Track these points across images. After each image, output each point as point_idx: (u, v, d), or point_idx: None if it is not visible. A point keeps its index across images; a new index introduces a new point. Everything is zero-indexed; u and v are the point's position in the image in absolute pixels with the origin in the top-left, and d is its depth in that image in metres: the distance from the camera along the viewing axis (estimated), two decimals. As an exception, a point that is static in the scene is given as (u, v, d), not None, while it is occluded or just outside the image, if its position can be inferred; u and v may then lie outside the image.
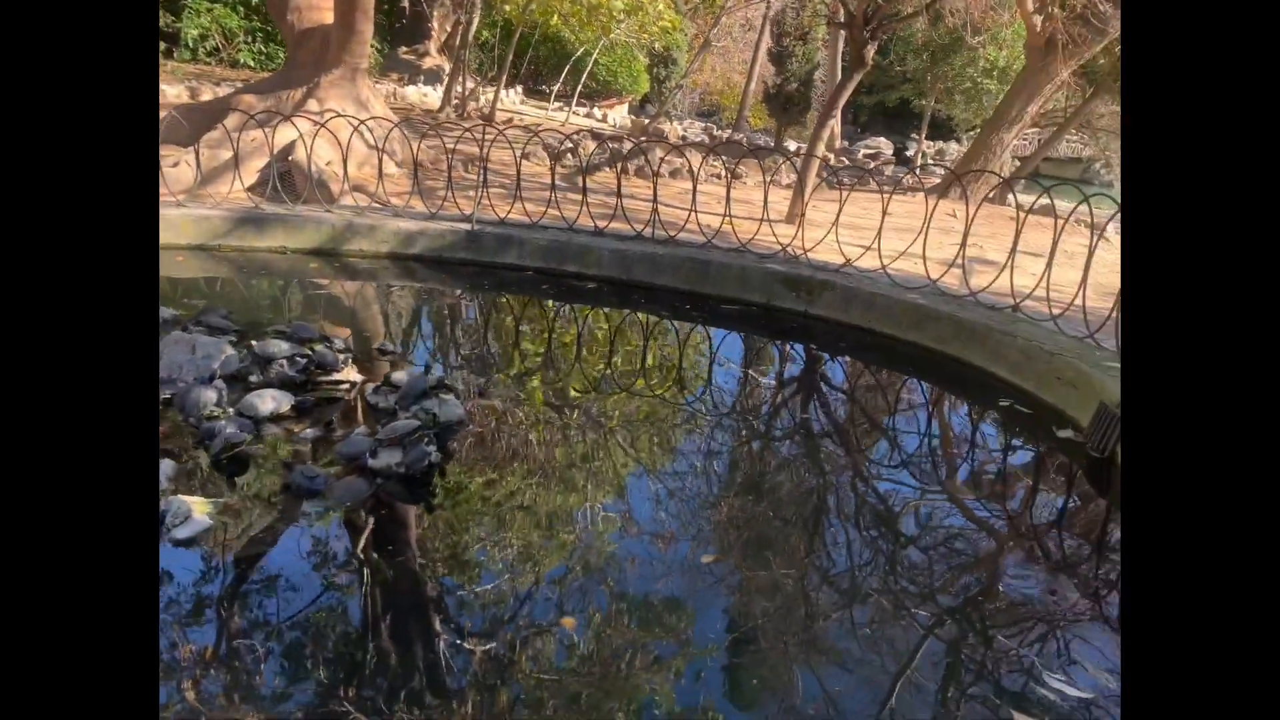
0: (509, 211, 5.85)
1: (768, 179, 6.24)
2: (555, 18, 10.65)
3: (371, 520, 2.62)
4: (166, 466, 2.63)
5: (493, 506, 2.80)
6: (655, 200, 5.67)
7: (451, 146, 6.17)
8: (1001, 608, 2.50)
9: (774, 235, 5.63)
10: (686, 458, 3.37)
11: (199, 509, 2.43)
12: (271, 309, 4.75)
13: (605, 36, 12.00)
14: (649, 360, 4.57)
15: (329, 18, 7.82)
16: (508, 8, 10.50)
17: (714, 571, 2.53)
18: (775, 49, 15.28)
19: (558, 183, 7.51)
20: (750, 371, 4.59)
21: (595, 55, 15.01)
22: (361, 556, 2.45)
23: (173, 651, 2.00)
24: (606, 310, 5.31)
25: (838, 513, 3.05)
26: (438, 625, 2.21)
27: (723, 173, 10.15)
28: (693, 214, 5.71)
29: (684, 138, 14.50)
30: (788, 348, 5.11)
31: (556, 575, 2.47)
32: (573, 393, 3.93)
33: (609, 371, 4.28)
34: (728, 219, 5.75)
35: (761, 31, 16.46)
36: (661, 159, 9.02)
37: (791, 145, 15.85)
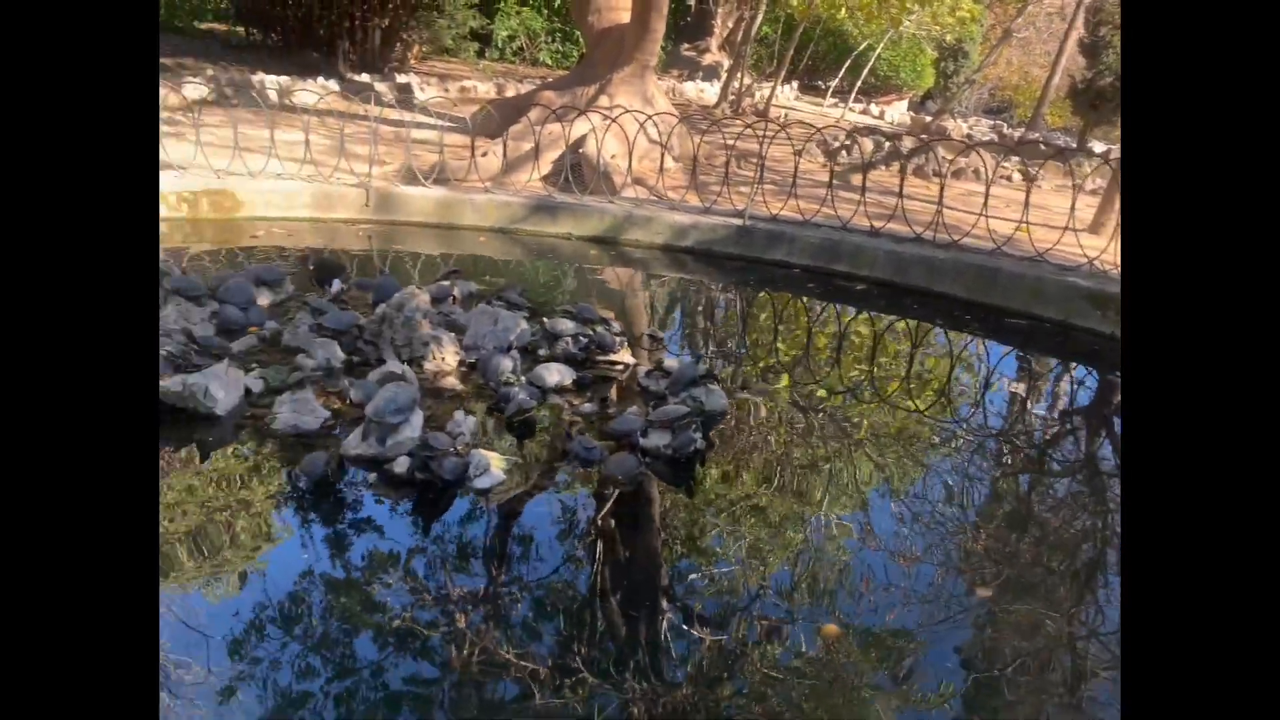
0: (782, 208, 5.83)
1: (1075, 184, 5.60)
2: (842, 11, 10.36)
3: (630, 494, 2.74)
4: (470, 423, 2.95)
5: (739, 499, 2.81)
6: (940, 201, 5.33)
7: (730, 142, 6.27)
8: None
9: (1079, 246, 5.05)
10: (939, 478, 3.15)
11: (495, 464, 2.71)
12: (555, 290, 5.15)
13: (893, 29, 11.47)
14: (912, 370, 4.32)
15: (626, 18, 8.28)
16: (794, 2, 10.39)
17: (959, 602, 2.34)
18: (1089, 39, 13.63)
19: (833, 180, 7.33)
20: (1031, 395, 4.17)
21: (879, 49, 14.41)
22: (616, 526, 2.57)
23: (444, 584, 2.25)
24: (874, 314, 5.11)
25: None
26: (671, 605, 2.26)
27: (1014, 175, 9.30)
28: (982, 217, 5.29)
29: (969, 136, 13.49)
30: (1083, 372, 4.57)
31: (790, 576, 2.43)
32: (827, 396, 3.82)
33: (867, 377, 4.11)
34: (1023, 225, 5.25)
35: (1073, 19, 14.79)
36: (950, 159, 8.46)
37: (1098, 147, 14.13)
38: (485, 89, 12.66)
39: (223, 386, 2.97)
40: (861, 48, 14.85)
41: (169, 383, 2.91)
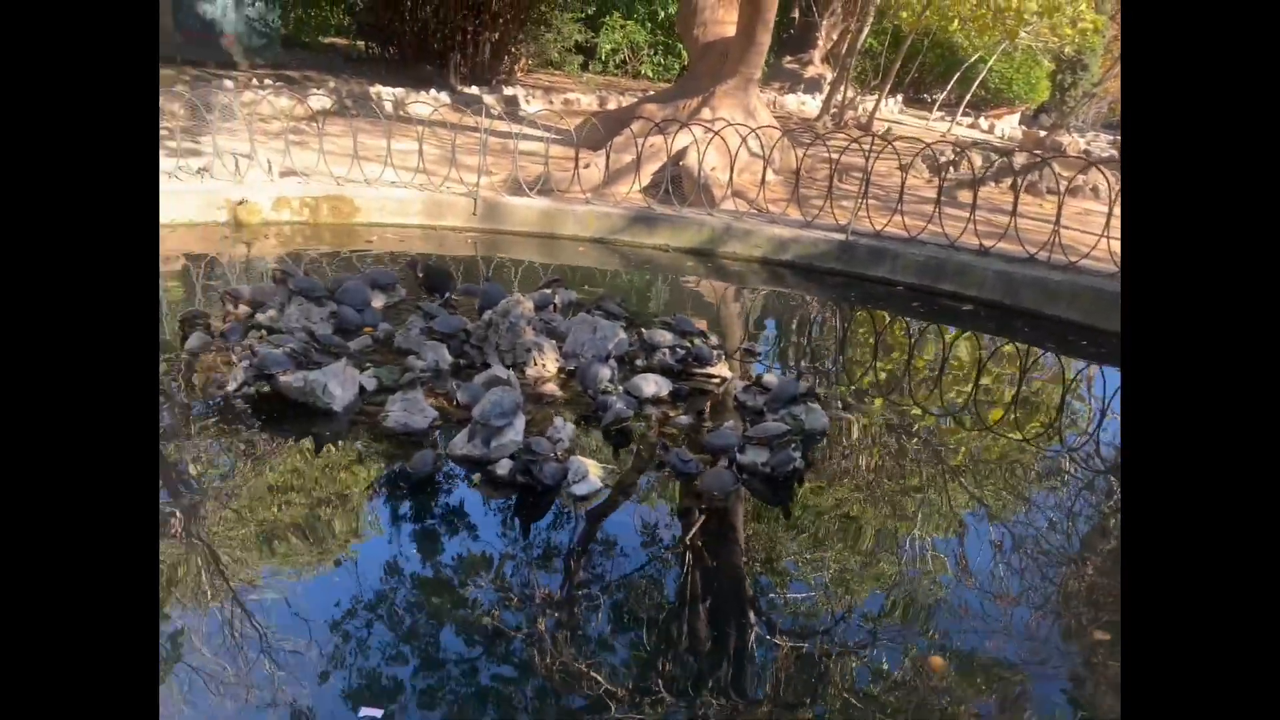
0: (886, 224, 5.69)
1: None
2: (955, 23, 10.07)
3: (724, 510, 2.73)
4: (568, 429, 3.01)
5: (834, 521, 2.74)
6: (1058, 220, 5.10)
7: (835, 156, 6.17)
8: None
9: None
10: (1040, 512, 3.00)
11: (593, 471, 2.74)
12: (652, 301, 5.19)
13: (1010, 41, 11.05)
14: (1019, 396, 4.13)
15: (731, 31, 8.28)
16: (903, 14, 10.16)
17: (1059, 645, 2.21)
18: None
19: (941, 197, 7.12)
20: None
21: (991, 62, 13.91)
22: (707, 541, 2.56)
23: (534, 586, 2.28)
24: (982, 336, 4.92)
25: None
26: (758, 623, 2.23)
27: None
28: (1103, 238, 5.03)
29: (1087, 152, 12.85)
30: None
31: (881, 603, 2.36)
32: (930, 419, 3.70)
33: (973, 401, 3.95)
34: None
35: (1206, 29, 13.88)
36: (1068, 176, 8.07)
37: (1230, 164, 13.17)
38: (588, 101, 12.90)
39: (340, 384, 3.12)
40: (972, 60, 14.37)
41: (291, 378, 3.08)
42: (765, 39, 7.70)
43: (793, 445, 2.89)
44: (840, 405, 3.54)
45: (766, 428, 2.93)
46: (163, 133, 7.05)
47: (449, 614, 2.17)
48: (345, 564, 2.35)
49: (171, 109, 7.82)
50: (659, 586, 2.38)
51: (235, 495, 2.60)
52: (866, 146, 5.72)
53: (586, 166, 7.06)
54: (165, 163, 5.82)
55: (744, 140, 6.30)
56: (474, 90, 11.57)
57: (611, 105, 12.75)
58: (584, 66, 16.28)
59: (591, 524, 2.63)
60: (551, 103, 12.26)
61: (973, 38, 13.95)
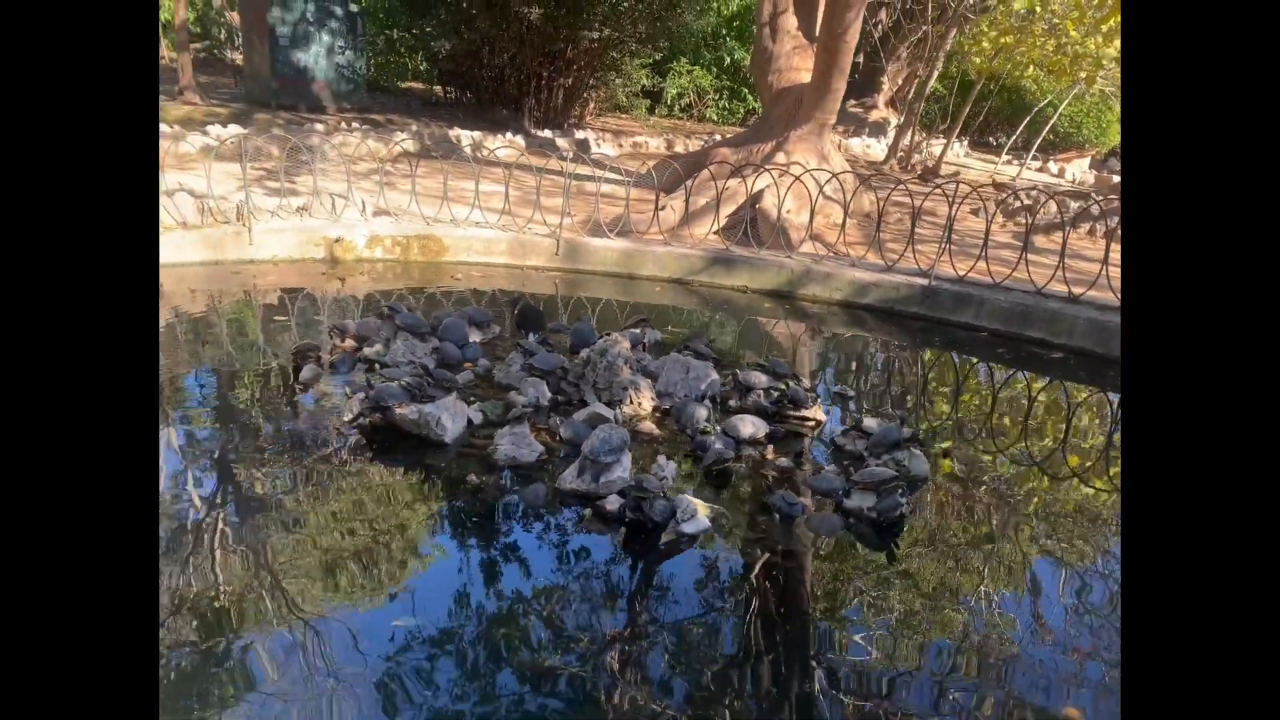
0: (969, 270, 5.67)
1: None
2: (1030, 69, 10.05)
3: (831, 554, 2.73)
4: (671, 467, 3.06)
5: (939, 569, 2.72)
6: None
7: (918, 202, 6.19)
8: None
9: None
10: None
11: (702, 510, 2.78)
12: (738, 343, 5.24)
13: (1087, 87, 10.97)
14: (1113, 448, 4.04)
15: (805, 77, 8.41)
16: (976, 59, 10.19)
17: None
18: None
19: (1012, 241, 7.08)
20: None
21: (1062, 106, 13.79)
22: (814, 586, 2.56)
23: (640, 621, 2.31)
24: (1072, 385, 4.83)
25: None
26: (824, 668, 2.21)
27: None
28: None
29: (1162, 197, 12.56)
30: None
31: (987, 658, 2.32)
32: (1023, 467, 3.64)
33: (1066, 450, 3.87)
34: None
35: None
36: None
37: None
38: (656, 144, 13.17)
39: (451, 417, 3.24)
40: (1042, 104, 14.27)
41: (406, 410, 3.21)
42: (841, 86, 7.79)
43: (899, 491, 2.88)
44: (940, 452, 3.51)
45: (873, 473, 2.93)
46: (262, 173, 7.44)
47: (546, 642, 2.21)
48: (456, 588, 2.42)
49: (270, 150, 8.25)
50: (765, 628, 2.38)
51: (365, 520, 2.71)
52: (947, 191, 5.72)
53: (663, 209, 7.20)
54: (267, 201, 6.14)
55: (821, 188, 6.36)
56: (547, 134, 11.92)
57: (679, 148, 12.99)
58: (650, 110, 16.64)
59: (699, 562, 2.66)
60: (621, 146, 12.55)
61: (1041, 82, 13.88)
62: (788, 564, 2.69)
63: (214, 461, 3.02)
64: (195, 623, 2.15)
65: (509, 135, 11.25)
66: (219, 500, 2.78)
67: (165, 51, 16.05)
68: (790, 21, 8.71)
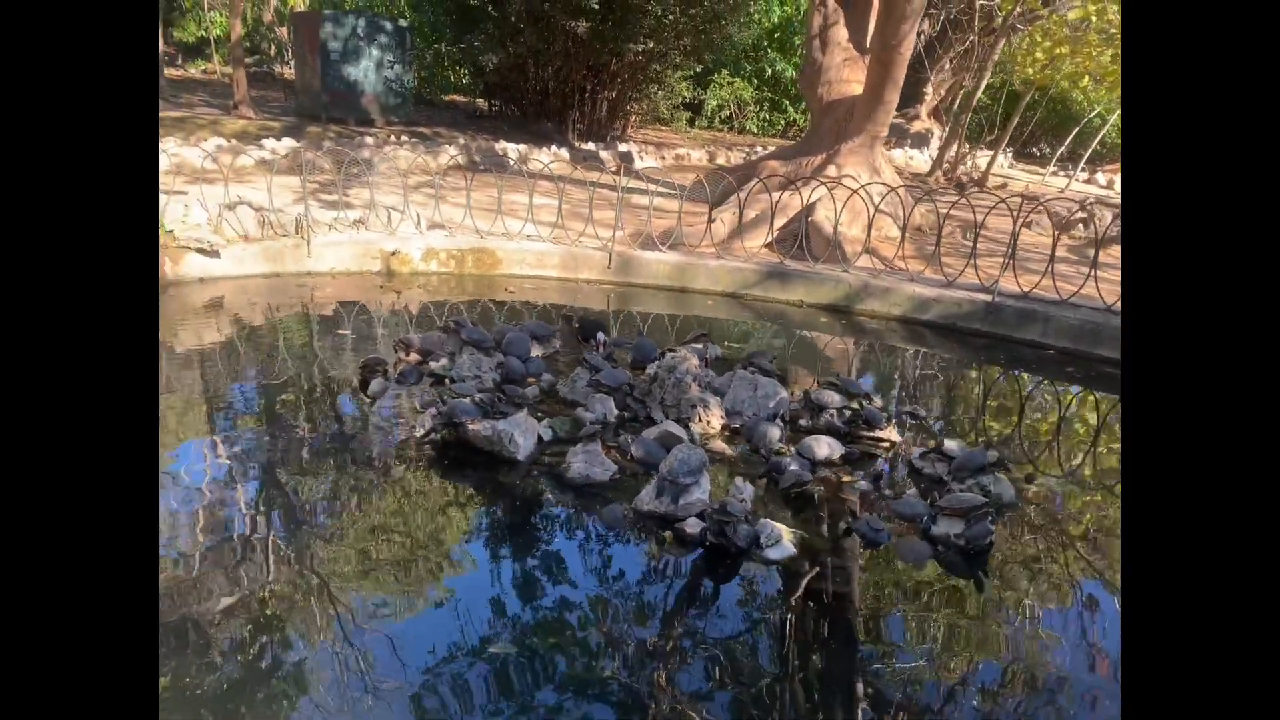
0: (1035, 285, 5.53)
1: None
2: (1085, 80, 9.86)
3: (919, 583, 2.64)
4: (748, 490, 2.99)
5: (1034, 600, 2.61)
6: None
7: (981, 217, 6.07)
8: None
9: None
10: None
11: (786, 535, 2.71)
12: (802, 360, 5.15)
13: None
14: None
15: (856, 90, 8.33)
16: (1029, 70, 10.02)
17: None
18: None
19: (1067, 255, 6.92)
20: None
21: (1113, 117, 13.53)
22: (905, 614, 2.47)
23: (723, 648, 2.24)
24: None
25: None
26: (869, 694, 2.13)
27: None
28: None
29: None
30: None
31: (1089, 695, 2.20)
32: (1100, 493, 3.51)
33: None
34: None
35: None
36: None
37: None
38: (698, 156, 13.14)
39: (523, 434, 3.21)
40: (1091, 115, 14.01)
41: (479, 427, 3.18)
42: (894, 98, 7.70)
43: (989, 518, 2.79)
44: (1024, 477, 3.40)
45: (962, 499, 2.84)
46: (315, 185, 7.54)
47: (623, 662, 2.16)
48: (539, 604, 2.38)
49: (322, 164, 8.36)
50: (850, 659, 2.30)
51: (439, 539, 2.68)
52: (1011, 206, 5.60)
53: (713, 221, 7.15)
54: (324, 214, 6.20)
55: (877, 204, 6.27)
56: (590, 146, 11.96)
57: (720, 160, 12.95)
58: (690, 122, 16.63)
59: (785, 588, 2.59)
60: (663, 158, 12.55)
61: (1088, 92, 13.63)
62: (877, 593, 2.61)
63: (290, 475, 3.01)
64: (273, 632, 2.13)
65: (554, 148, 11.31)
66: (299, 514, 2.76)
67: (218, 67, 16.42)
68: (840, 33, 8.64)
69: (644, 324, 5.51)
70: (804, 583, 2.60)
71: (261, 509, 2.79)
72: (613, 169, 10.51)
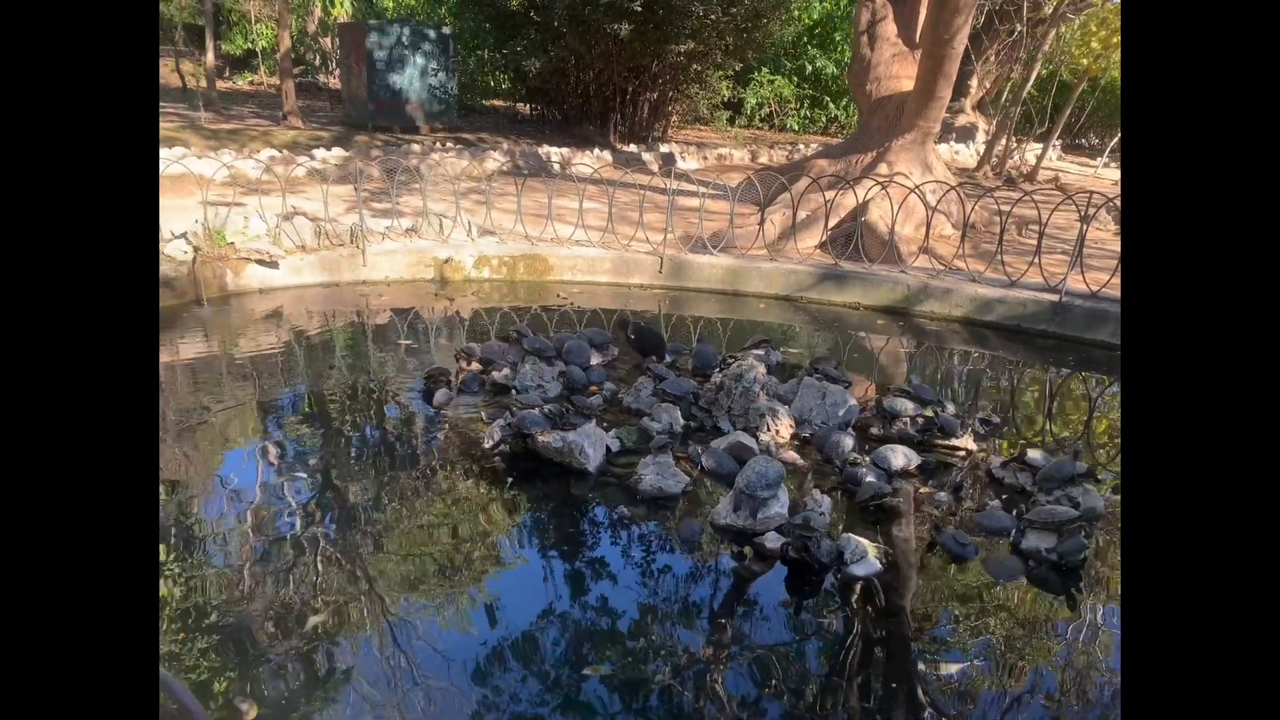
0: (1104, 284, 5.35)
1: None
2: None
3: (1008, 600, 2.54)
4: (825, 502, 2.91)
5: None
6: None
7: (1040, 215, 5.89)
8: None
9: None
10: None
11: (871, 551, 2.63)
12: (861, 365, 5.05)
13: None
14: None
15: (905, 85, 8.17)
16: (1084, 60, 9.74)
17: None
18: None
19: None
20: None
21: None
22: (999, 634, 2.38)
23: (805, 670, 2.17)
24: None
25: None
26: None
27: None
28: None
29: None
30: None
31: None
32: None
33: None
34: None
35: None
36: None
37: None
38: (740, 155, 13.03)
39: (593, 445, 3.17)
40: (1146, 105, 13.58)
41: (549, 438, 3.15)
42: (946, 93, 7.53)
43: (1083, 532, 2.68)
44: (1113, 488, 3.27)
45: (1052, 512, 2.73)
46: (366, 194, 7.61)
47: (692, 682, 2.10)
48: (662, 634, 2.33)
49: (370, 172, 8.44)
50: (959, 681, 2.22)
51: (519, 552, 2.66)
52: (1079, 203, 5.41)
53: (764, 222, 7.06)
54: (376, 223, 6.24)
55: (933, 204, 6.12)
56: (632, 148, 11.92)
57: (763, 159, 12.82)
58: (730, 121, 16.51)
59: (872, 605, 2.51)
60: (705, 158, 12.46)
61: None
62: (969, 610, 2.51)
63: (364, 488, 3.01)
64: (358, 637, 2.12)
65: (596, 151, 11.29)
66: (376, 524, 2.76)
67: (264, 78, 16.73)
68: (889, 28, 8.48)
69: (696, 328, 5.45)
70: (897, 600, 2.52)
71: (343, 523, 2.78)
72: (655, 170, 10.46)
